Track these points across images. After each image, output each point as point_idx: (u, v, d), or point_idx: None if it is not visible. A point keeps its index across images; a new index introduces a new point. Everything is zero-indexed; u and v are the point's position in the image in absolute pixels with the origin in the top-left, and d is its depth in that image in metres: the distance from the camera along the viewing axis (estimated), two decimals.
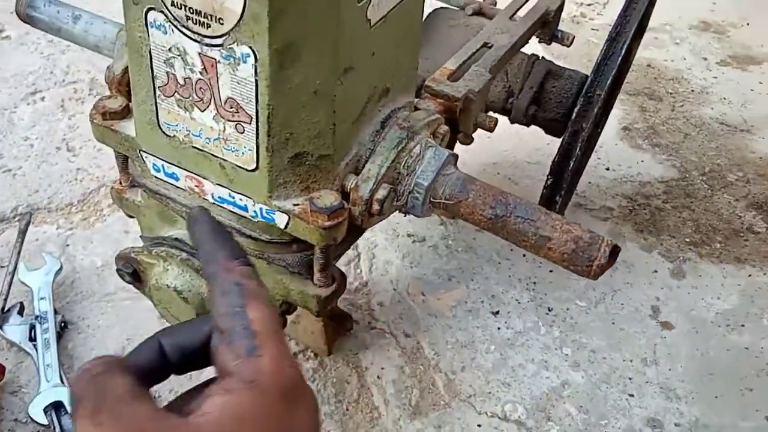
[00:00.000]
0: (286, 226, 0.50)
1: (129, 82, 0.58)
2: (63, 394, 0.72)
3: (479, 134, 1.26)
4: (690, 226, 1.09)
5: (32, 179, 1.06)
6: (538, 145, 1.22)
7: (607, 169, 1.21)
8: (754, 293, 0.97)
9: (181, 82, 0.47)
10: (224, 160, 0.49)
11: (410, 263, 0.97)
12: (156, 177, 0.55)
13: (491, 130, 0.80)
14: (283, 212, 0.49)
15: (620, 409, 0.79)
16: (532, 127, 0.94)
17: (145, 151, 0.54)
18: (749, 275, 1.00)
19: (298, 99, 0.45)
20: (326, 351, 0.82)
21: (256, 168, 0.48)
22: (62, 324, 0.81)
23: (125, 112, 0.55)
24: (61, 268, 0.87)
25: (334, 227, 0.49)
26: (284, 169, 0.48)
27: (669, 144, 1.29)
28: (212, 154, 0.49)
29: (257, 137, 0.46)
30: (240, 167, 0.49)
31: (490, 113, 0.90)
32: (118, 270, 0.60)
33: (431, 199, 0.53)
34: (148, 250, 0.57)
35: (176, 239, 0.57)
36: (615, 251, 0.48)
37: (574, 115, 0.77)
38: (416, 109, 0.59)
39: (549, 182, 0.81)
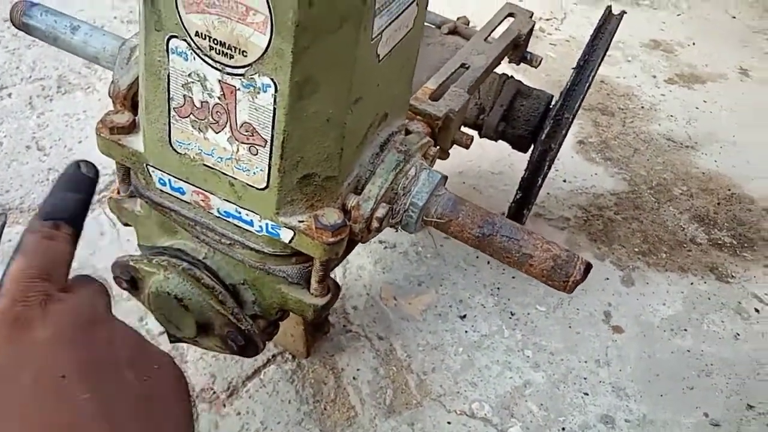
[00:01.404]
0: (290, 241, 0.54)
1: (134, 97, 0.60)
2: None
3: None
4: (639, 236, 1.17)
5: (2, 179, 1.05)
6: (499, 157, 1.29)
7: (564, 180, 1.29)
8: (695, 300, 1.06)
9: (198, 105, 0.50)
10: (234, 178, 0.52)
11: (382, 269, 1.02)
12: (161, 190, 0.58)
13: (467, 147, 0.85)
14: (288, 228, 0.53)
15: (576, 406, 0.86)
16: (494, 142, 1.00)
17: (152, 166, 0.56)
18: (691, 283, 1.09)
19: (312, 126, 0.48)
20: (304, 353, 0.86)
21: (266, 187, 0.51)
22: None
23: (132, 127, 0.57)
24: None
25: (337, 243, 0.52)
26: (293, 189, 0.51)
27: (620, 158, 1.37)
28: (222, 173, 0.52)
29: (270, 159, 0.49)
30: (250, 186, 0.52)
31: (464, 129, 0.96)
32: (115, 278, 0.62)
33: (424, 218, 0.57)
34: (148, 259, 0.60)
35: (178, 249, 0.59)
36: (588, 268, 0.54)
37: (543, 135, 0.83)
38: (407, 131, 0.63)
39: (518, 197, 0.87)
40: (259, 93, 0.46)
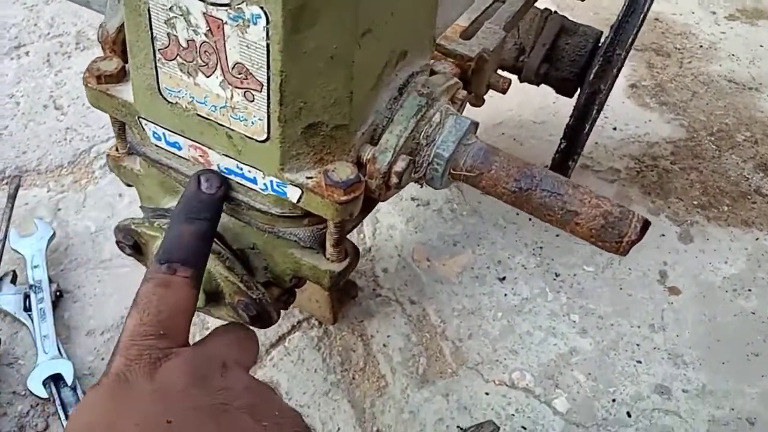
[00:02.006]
0: (298, 201, 0.47)
1: (125, 42, 0.54)
2: (62, 366, 0.70)
3: None
4: (697, 188, 1.07)
5: (19, 140, 1.01)
6: (544, 104, 1.18)
7: (615, 128, 1.18)
8: (761, 257, 0.96)
9: (184, 44, 0.43)
10: (232, 129, 0.46)
11: (414, 228, 0.95)
12: (157, 146, 0.52)
13: (504, 92, 0.77)
14: (295, 186, 0.46)
15: (628, 375, 0.79)
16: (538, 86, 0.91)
17: (144, 118, 0.50)
18: (756, 239, 0.99)
19: (314, 65, 0.41)
20: (331, 320, 0.81)
21: (267, 139, 0.44)
22: (57, 293, 0.79)
23: (121, 75, 0.51)
24: (53, 235, 0.84)
25: (350, 202, 0.46)
26: (297, 140, 0.45)
27: (677, 102, 1.26)
28: (218, 123, 0.46)
29: (268, 106, 0.43)
30: (249, 138, 0.45)
31: (501, 73, 0.87)
32: (118, 243, 0.57)
33: (451, 171, 0.50)
34: (149, 222, 0.54)
35: None
36: (645, 226, 0.46)
37: (591, 75, 0.74)
38: (432, 72, 0.55)
39: (562, 146, 0.78)
40: (248, 26, 0.39)
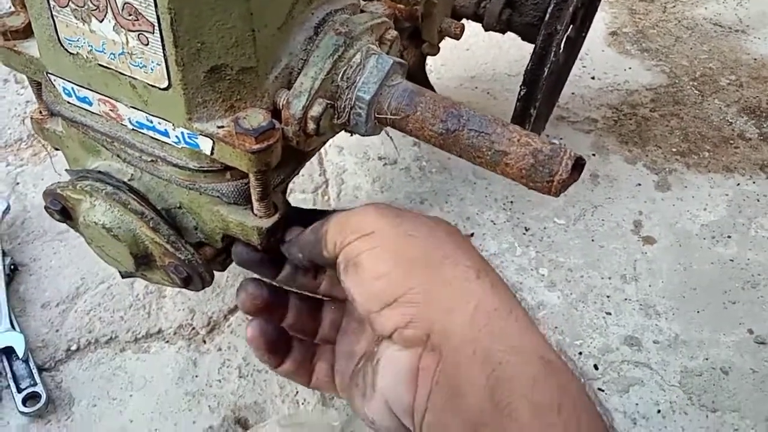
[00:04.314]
0: (211, 152, 0.45)
1: None
2: (14, 339, 0.69)
3: (456, 46, 1.18)
4: (678, 135, 1.03)
5: None
6: (519, 56, 1.14)
7: (593, 78, 1.14)
8: (742, 203, 0.93)
9: None
10: (134, 78, 0.43)
11: (381, 187, 0.92)
12: (69, 103, 0.49)
13: (457, 37, 0.73)
14: (206, 136, 0.44)
15: (596, 328, 0.77)
16: (514, 36, 0.87)
17: (52, 74, 0.48)
18: (738, 184, 0.95)
19: (205, 0, 0.38)
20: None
21: (169, 86, 0.42)
22: (12, 266, 0.77)
23: (29, 31, 0.49)
24: (8, 208, 0.83)
25: (263, 151, 0.43)
26: (201, 86, 0.42)
27: (659, 48, 1.21)
28: (120, 72, 0.43)
29: (164, 49, 0.40)
30: (152, 86, 0.43)
31: (462, 21, 0.83)
32: (46, 208, 0.55)
33: (376, 115, 0.47)
34: (73, 185, 0.52)
35: (100, 172, 0.52)
36: (579, 163, 0.43)
37: (546, 16, 0.70)
38: (363, 12, 0.52)
39: (522, 93, 0.74)
40: None
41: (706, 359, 0.75)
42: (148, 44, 0.40)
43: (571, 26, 0.85)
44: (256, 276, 0.52)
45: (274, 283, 0.51)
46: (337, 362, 0.48)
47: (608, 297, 0.79)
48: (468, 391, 0.34)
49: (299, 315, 0.51)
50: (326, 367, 0.49)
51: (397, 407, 0.37)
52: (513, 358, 0.34)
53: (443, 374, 0.35)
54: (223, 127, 0.44)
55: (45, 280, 0.78)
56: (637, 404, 0.70)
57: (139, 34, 0.40)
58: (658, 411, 0.70)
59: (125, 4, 0.39)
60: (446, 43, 0.79)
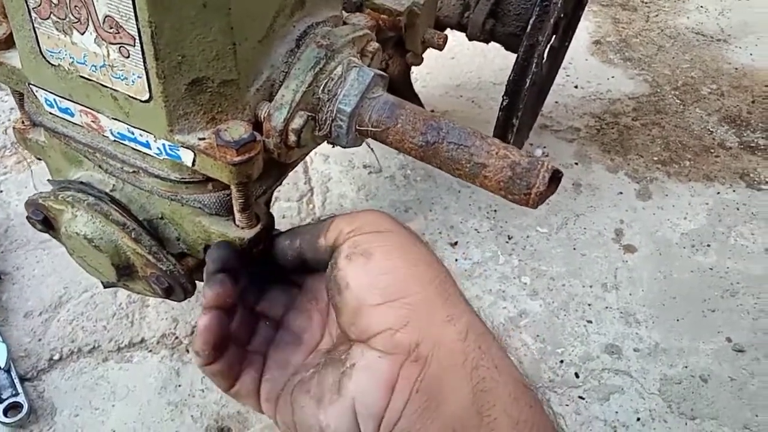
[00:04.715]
0: (193, 164, 0.45)
1: None
2: None
3: (441, 54, 1.19)
4: (659, 143, 1.05)
5: None
6: (504, 65, 1.15)
7: (576, 86, 1.16)
8: (722, 211, 0.94)
9: (55, 0, 0.41)
10: (115, 90, 0.43)
11: (365, 196, 0.93)
12: (51, 113, 0.49)
13: (440, 48, 0.74)
14: (187, 148, 0.44)
15: (578, 336, 0.77)
16: (498, 46, 0.88)
17: (34, 85, 0.48)
18: (718, 193, 0.97)
19: (186, 14, 0.39)
20: None
21: (150, 98, 0.42)
22: None
23: (11, 41, 0.49)
24: None
25: (245, 163, 0.43)
26: (182, 99, 0.42)
27: (642, 57, 1.23)
28: (102, 84, 0.44)
29: (144, 62, 0.40)
30: (133, 98, 0.43)
31: (446, 30, 0.84)
32: (28, 218, 0.55)
33: (357, 127, 0.47)
34: (55, 195, 0.52)
35: (82, 182, 0.52)
36: (555, 176, 0.44)
37: (528, 27, 0.71)
38: (345, 24, 0.53)
39: (504, 103, 0.75)
40: None
41: (686, 367, 0.76)
42: (129, 57, 0.41)
43: (554, 36, 0.86)
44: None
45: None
46: (267, 372, 0.47)
47: (589, 305, 0.80)
48: (451, 398, 0.36)
49: (242, 322, 0.50)
50: (254, 376, 0.48)
51: (364, 412, 0.37)
52: (496, 376, 0.36)
53: (424, 382, 0.36)
54: (204, 139, 0.44)
55: (28, 289, 0.77)
56: (617, 412, 0.71)
57: (120, 47, 0.40)
58: (638, 419, 0.70)
59: (106, 17, 0.39)
60: (431, 52, 0.80)
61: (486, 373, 0.36)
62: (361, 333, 0.38)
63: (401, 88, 0.88)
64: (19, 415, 0.65)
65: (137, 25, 0.38)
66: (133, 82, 0.42)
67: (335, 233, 0.42)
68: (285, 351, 0.48)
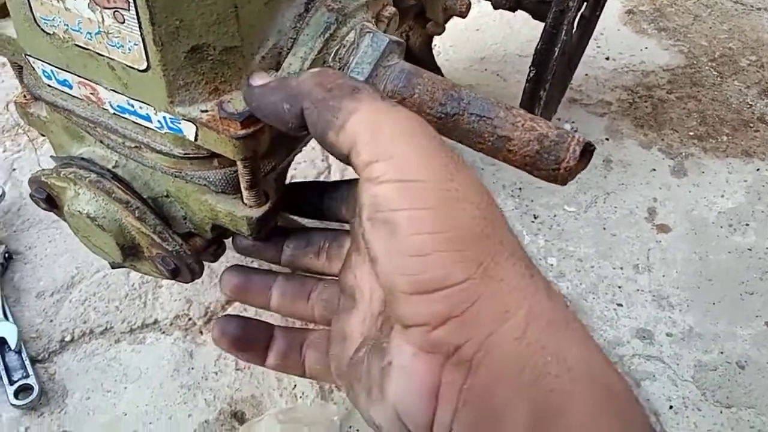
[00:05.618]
0: (195, 138, 0.42)
1: None
2: (6, 330, 0.67)
3: (466, 26, 1.14)
4: (695, 118, 0.99)
5: None
6: (531, 36, 1.10)
7: (607, 58, 1.10)
8: (761, 189, 0.89)
9: None
10: (112, 59, 0.40)
11: None
12: (49, 86, 0.47)
13: (463, 15, 0.70)
14: (189, 121, 0.41)
15: (607, 320, 0.74)
16: (526, 15, 0.84)
17: (30, 56, 0.45)
18: (757, 169, 0.91)
19: None
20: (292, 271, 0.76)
21: (148, 67, 0.39)
22: (6, 255, 0.76)
23: (5, 10, 0.46)
24: (3, 195, 0.81)
25: (250, 136, 0.40)
26: (182, 67, 0.39)
27: (677, 27, 1.16)
28: (98, 53, 0.41)
29: (140, 27, 0.37)
30: (130, 67, 0.40)
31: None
32: (31, 196, 0.53)
33: None
34: (57, 172, 0.50)
35: (83, 159, 0.49)
36: (587, 149, 0.40)
37: None
38: None
39: (531, 75, 0.71)
40: None
41: (721, 353, 0.72)
42: (124, 22, 0.38)
43: (585, 4, 0.81)
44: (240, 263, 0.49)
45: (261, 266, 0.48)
46: (331, 346, 0.43)
47: (620, 288, 0.76)
48: (509, 418, 0.28)
49: (283, 297, 0.48)
50: (317, 354, 0.45)
51: (410, 421, 0.31)
52: (568, 385, 0.28)
53: (473, 393, 0.29)
54: (206, 111, 0.41)
55: (40, 269, 0.76)
56: (648, 400, 0.67)
57: (114, 12, 0.37)
58: (671, 407, 0.67)
59: None
60: (456, 24, 0.76)
61: (554, 384, 0.28)
62: (398, 319, 0.31)
63: (423, 60, 0.85)
64: (30, 398, 0.64)
65: None
66: (129, 50, 0.39)
67: (349, 142, 0.31)
68: (340, 319, 0.42)
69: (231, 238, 0.52)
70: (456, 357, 0.29)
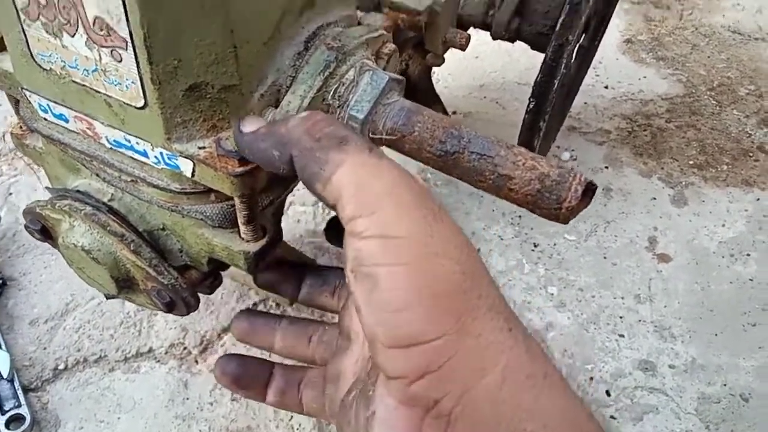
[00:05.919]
0: (192, 174, 0.42)
1: None
2: (1, 360, 0.66)
3: (464, 54, 1.15)
4: (695, 147, 0.99)
5: None
6: (530, 65, 1.11)
7: (606, 87, 1.10)
8: (761, 219, 0.88)
9: (43, 1, 0.38)
10: (108, 95, 0.40)
11: None
12: (46, 119, 0.47)
13: (463, 48, 0.70)
14: (186, 157, 0.41)
15: (609, 351, 0.73)
16: (525, 45, 0.84)
17: (26, 89, 0.45)
18: (757, 199, 0.91)
19: (181, 15, 0.35)
20: (288, 300, 0.75)
21: (145, 104, 0.39)
22: (1, 281, 0.75)
23: (3, 44, 0.46)
24: None
25: (247, 174, 0.40)
26: (180, 105, 0.39)
27: (675, 57, 1.17)
28: (95, 90, 0.40)
29: (138, 66, 0.37)
30: (128, 104, 0.40)
31: (470, 29, 0.80)
32: (26, 227, 0.53)
33: (371, 135, 0.44)
34: (52, 204, 0.49)
35: (79, 191, 0.49)
36: (589, 189, 0.40)
37: (558, 26, 0.66)
38: (360, 24, 0.49)
39: (531, 106, 0.71)
40: None
41: (725, 385, 0.71)
42: (121, 61, 0.37)
43: (584, 35, 0.81)
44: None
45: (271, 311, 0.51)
46: (327, 386, 0.45)
47: (621, 318, 0.76)
48: None
49: (285, 339, 0.50)
50: (314, 393, 0.47)
51: None
52: None
53: None
54: (204, 148, 0.41)
55: (35, 295, 0.75)
56: None
57: (111, 50, 0.37)
58: None
59: (96, 18, 0.36)
60: (454, 52, 0.76)
61: None
62: (381, 369, 0.31)
63: (422, 89, 0.85)
64: (22, 428, 0.62)
65: (129, 26, 0.35)
66: (127, 87, 0.39)
67: (335, 195, 0.32)
68: (336, 358, 0.44)
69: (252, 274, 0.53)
70: (435, 411, 0.29)
